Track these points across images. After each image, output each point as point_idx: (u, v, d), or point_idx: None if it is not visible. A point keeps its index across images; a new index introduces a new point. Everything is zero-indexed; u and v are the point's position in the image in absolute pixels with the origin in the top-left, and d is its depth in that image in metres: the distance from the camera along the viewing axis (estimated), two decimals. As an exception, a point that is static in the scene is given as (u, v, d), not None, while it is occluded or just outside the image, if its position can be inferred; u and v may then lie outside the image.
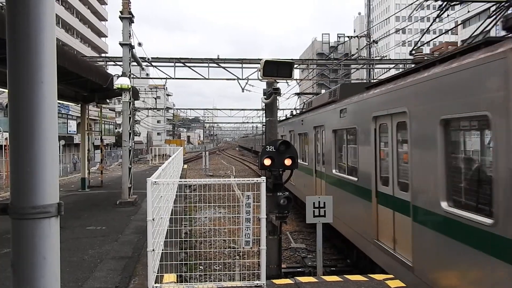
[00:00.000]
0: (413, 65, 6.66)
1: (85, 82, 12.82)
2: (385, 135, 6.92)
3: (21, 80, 1.51)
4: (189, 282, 6.76)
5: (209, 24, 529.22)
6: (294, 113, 20.99)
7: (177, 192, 10.36)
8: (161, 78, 25.48)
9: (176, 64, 23.90)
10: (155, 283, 5.36)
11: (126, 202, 13.14)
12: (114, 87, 13.27)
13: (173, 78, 24.37)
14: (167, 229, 6.93)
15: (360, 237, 7.93)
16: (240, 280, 5.92)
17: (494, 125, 4.01)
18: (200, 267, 8.34)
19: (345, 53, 62.01)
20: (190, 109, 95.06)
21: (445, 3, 7.76)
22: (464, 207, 4.63)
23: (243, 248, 5.92)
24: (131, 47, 13.85)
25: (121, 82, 13.07)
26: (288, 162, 6.38)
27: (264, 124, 8.50)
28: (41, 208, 1.52)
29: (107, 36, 70.49)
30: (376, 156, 7.21)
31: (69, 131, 39.64)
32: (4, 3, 1.64)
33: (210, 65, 24.02)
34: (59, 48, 9.48)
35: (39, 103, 1.52)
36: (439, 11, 8.30)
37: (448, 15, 28.33)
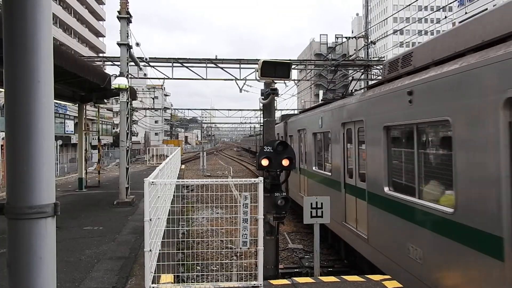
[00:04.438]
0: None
1: (82, 82, 12.79)
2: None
3: (17, 79, 1.51)
4: (186, 282, 6.75)
5: (208, 24, 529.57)
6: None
7: (174, 192, 10.35)
8: (159, 78, 25.46)
9: (174, 64, 23.88)
10: (152, 283, 5.35)
11: (123, 202, 13.12)
12: (112, 87, 13.23)
13: (171, 78, 24.35)
14: (165, 230, 6.92)
15: None
16: (237, 281, 5.92)
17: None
18: (198, 267, 8.34)
19: (343, 54, 62.09)
20: (188, 109, 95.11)
21: None
22: None
23: (241, 248, 5.92)
24: (129, 47, 13.83)
25: (119, 82, 13.04)
26: (285, 162, 6.39)
27: (262, 124, 8.48)
28: (38, 208, 1.52)
29: (104, 36, 70.44)
30: None
31: (67, 131, 39.48)
32: (1, 2, 1.64)
33: (208, 65, 24.01)
34: (56, 48, 9.45)
35: (36, 103, 1.51)
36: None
37: (446, 16, 28.40)
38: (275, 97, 6.95)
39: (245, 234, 5.73)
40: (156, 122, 72.19)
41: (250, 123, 71.90)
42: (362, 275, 6.30)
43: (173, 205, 8.77)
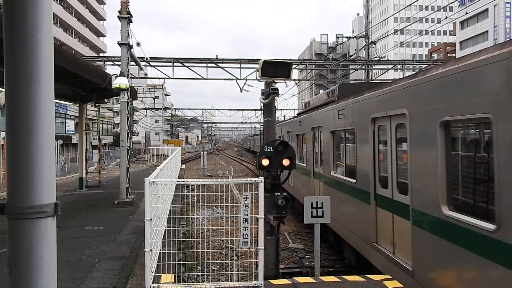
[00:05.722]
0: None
1: (83, 81, 12.78)
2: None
3: (18, 79, 1.51)
4: (187, 282, 6.76)
5: (208, 24, 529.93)
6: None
7: (175, 192, 10.35)
8: (160, 78, 25.51)
9: (175, 64, 23.90)
10: (153, 283, 5.35)
11: (124, 202, 13.12)
12: (112, 87, 13.23)
13: (171, 78, 24.39)
14: (165, 229, 6.92)
15: None
16: (237, 281, 5.92)
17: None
18: (198, 267, 8.34)
19: (343, 54, 62.11)
20: (188, 109, 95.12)
21: None
22: None
23: (241, 248, 5.92)
24: (129, 46, 13.83)
25: (119, 81, 13.03)
26: (286, 162, 6.38)
27: (263, 124, 8.49)
28: (38, 208, 1.52)
29: (105, 36, 70.41)
30: None
31: (67, 130, 39.49)
32: (1, 2, 1.64)
33: (209, 65, 24.03)
34: (57, 47, 9.45)
35: (36, 103, 1.51)
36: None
37: (446, 17, 28.37)
38: (276, 97, 6.95)
39: (246, 234, 5.73)
40: (156, 122, 72.21)
41: (251, 123, 71.90)
42: (363, 275, 6.30)
43: (174, 205, 8.77)
